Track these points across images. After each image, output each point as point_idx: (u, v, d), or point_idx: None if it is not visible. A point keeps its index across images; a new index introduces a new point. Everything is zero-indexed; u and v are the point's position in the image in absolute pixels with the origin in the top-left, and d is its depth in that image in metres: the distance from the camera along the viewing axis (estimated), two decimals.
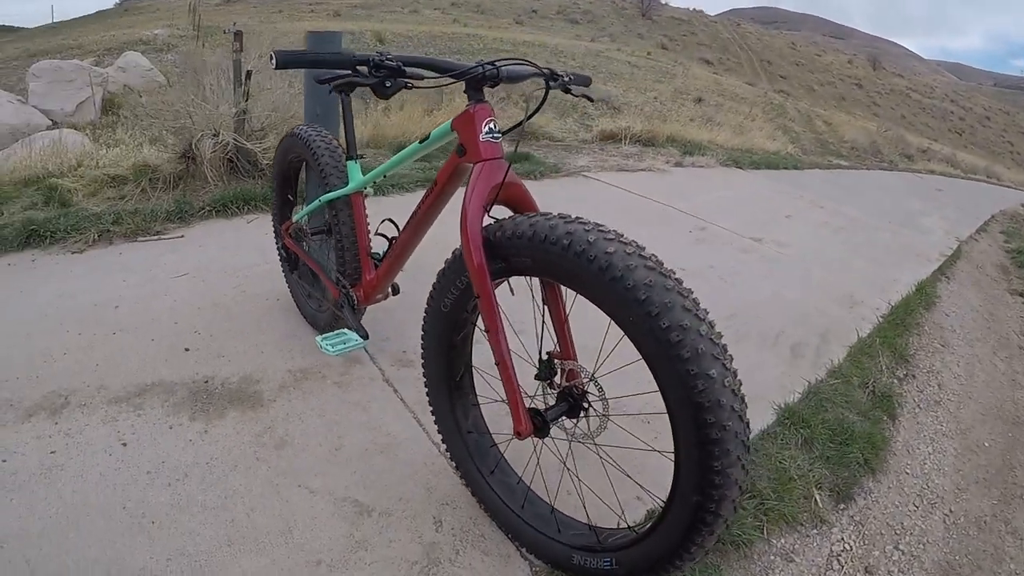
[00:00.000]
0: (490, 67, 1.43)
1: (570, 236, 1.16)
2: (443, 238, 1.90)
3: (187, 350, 2.39)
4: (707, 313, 1.13)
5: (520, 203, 1.47)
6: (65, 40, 17.54)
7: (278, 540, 1.64)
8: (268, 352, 2.43)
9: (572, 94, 1.61)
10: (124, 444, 1.94)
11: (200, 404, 2.11)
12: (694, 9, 53.60)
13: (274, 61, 1.31)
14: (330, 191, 2.18)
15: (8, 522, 1.61)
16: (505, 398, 1.35)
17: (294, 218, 2.47)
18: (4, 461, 1.88)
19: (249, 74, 4.09)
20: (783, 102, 23.29)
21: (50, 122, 7.20)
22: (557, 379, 1.49)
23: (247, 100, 4.03)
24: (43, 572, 1.48)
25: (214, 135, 3.69)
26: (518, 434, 1.34)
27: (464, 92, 1.49)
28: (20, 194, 3.84)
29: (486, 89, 1.48)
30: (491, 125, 1.44)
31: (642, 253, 1.13)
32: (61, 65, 8.06)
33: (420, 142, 1.75)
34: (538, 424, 1.37)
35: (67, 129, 6.07)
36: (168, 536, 1.62)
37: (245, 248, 3.37)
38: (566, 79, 1.56)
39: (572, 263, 1.15)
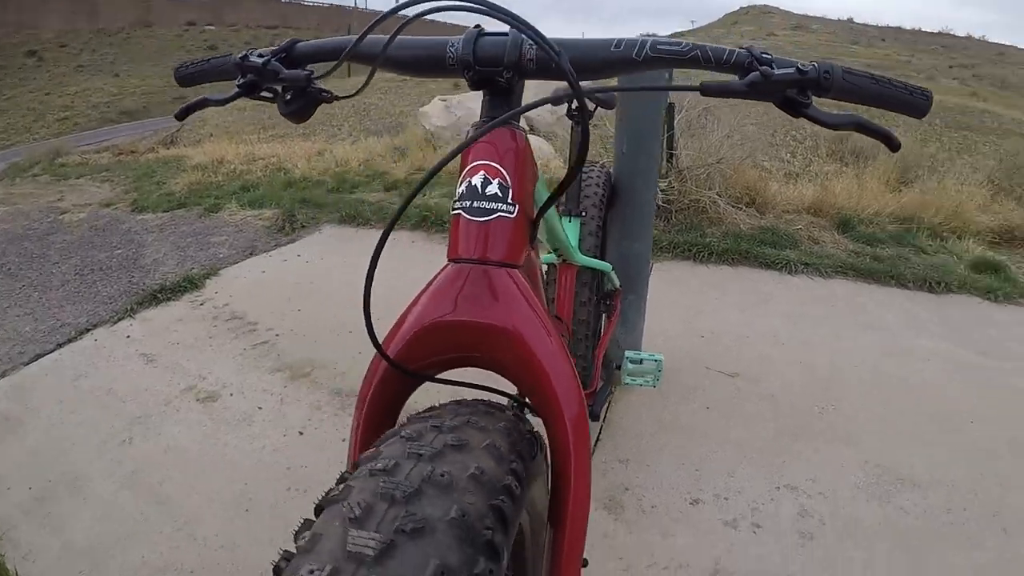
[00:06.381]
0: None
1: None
2: None
3: None
4: None
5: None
6: None
7: None
8: None
9: (823, 124, 0.73)
10: (301, 433, 2.07)
11: None
12: None
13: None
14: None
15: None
16: None
17: None
18: (256, 409, 2.16)
19: (672, 107, 3.97)
20: None
21: (528, 128, 8.44)
22: None
23: (669, 135, 3.89)
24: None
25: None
26: None
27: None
28: (449, 184, 4.62)
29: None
30: (472, 181, 0.77)
31: None
32: (549, 81, 9.53)
33: None
34: None
35: (532, 136, 7.00)
36: None
37: None
38: (785, 74, 0.71)
39: None
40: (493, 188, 0.76)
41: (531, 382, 0.74)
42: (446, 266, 0.76)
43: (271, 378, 2.38)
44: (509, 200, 0.76)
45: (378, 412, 0.76)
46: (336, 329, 2.71)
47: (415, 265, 3.36)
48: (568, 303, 1.69)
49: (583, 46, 0.78)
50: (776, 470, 1.92)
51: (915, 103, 0.76)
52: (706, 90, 0.74)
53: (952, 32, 35.80)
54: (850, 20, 38.58)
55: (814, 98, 0.74)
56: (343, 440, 2.02)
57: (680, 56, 0.77)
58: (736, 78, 0.74)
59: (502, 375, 0.78)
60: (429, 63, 0.81)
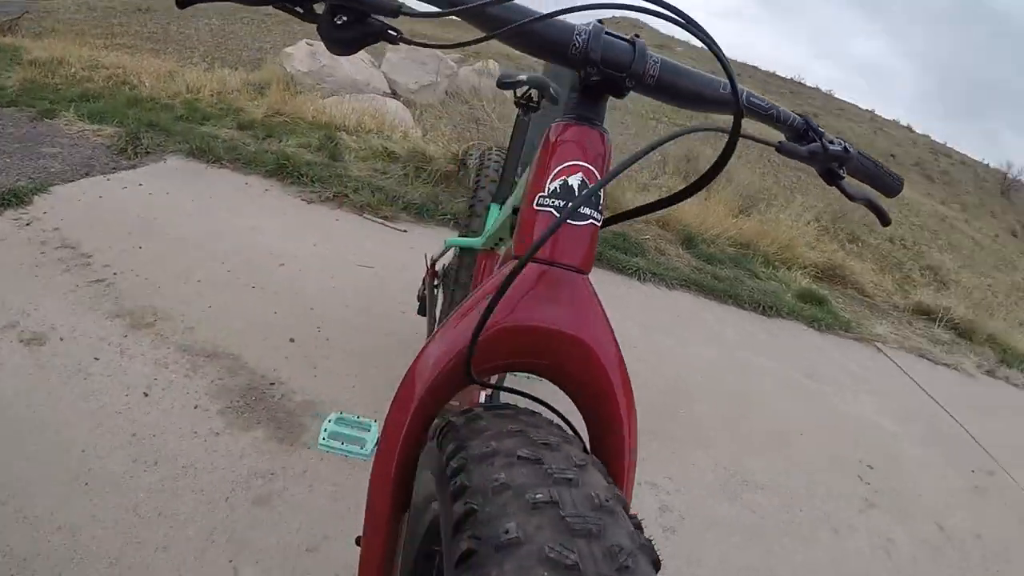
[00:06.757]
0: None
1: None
2: None
3: (292, 340, 2.27)
4: None
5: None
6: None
7: None
8: (360, 391, 2.16)
9: (847, 195, 0.90)
10: (146, 394, 1.85)
11: (242, 403, 1.92)
12: None
13: None
14: (466, 234, 1.91)
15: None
16: None
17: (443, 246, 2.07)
18: (92, 360, 1.91)
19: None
20: None
21: (390, 91, 8.33)
22: None
23: None
24: None
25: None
26: None
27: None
28: (308, 133, 4.29)
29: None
30: (569, 181, 0.72)
31: None
32: (419, 48, 9.34)
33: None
34: None
35: (393, 100, 6.86)
36: None
37: None
38: (836, 150, 0.84)
39: None
40: (572, 186, 0.72)
41: (594, 394, 0.71)
42: (516, 266, 0.65)
43: (109, 324, 2.13)
44: (600, 208, 0.72)
45: (421, 417, 0.71)
46: (183, 276, 2.50)
47: (271, 215, 3.20)
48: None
49: (700, 80, 0.78)
50: (637, 467, 2.04)
51: (893, 186, 0.95)
52: (780, 148, 0.79)
53: (803, 81, 38.94)
54: None
55: None
56: (196, 407, 1.87)
57: (763, 111, 0.82)
58: (783, 137, 0.85)
59: (557, 383, 0.74)
60: (547, 44, 0.72)
